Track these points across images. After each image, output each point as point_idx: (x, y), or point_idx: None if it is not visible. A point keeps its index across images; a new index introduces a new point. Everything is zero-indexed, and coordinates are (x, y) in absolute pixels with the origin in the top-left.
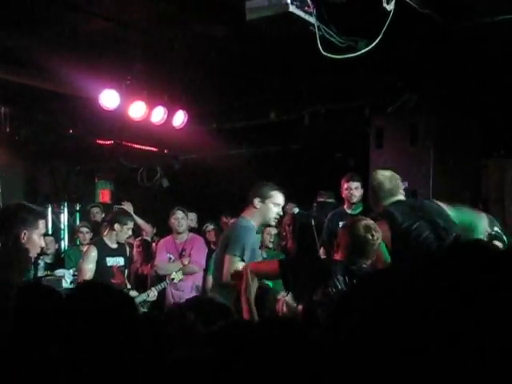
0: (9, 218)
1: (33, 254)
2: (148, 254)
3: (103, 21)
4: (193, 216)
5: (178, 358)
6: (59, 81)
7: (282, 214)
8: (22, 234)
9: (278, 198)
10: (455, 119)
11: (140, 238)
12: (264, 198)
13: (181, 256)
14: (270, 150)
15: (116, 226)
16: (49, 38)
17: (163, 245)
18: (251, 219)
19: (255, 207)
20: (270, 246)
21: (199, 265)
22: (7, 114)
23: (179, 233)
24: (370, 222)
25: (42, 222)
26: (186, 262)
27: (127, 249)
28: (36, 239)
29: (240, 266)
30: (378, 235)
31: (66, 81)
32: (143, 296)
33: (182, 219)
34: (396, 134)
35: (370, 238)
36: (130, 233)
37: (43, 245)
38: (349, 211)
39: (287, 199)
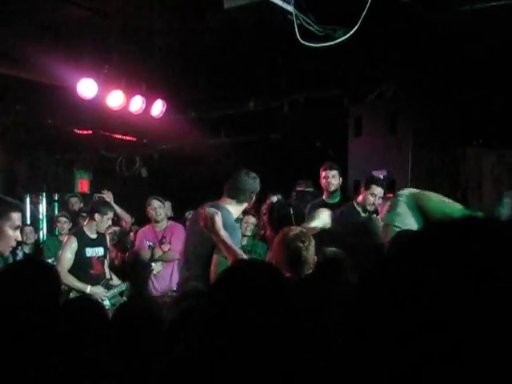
0: None
1: (4, 247)
2: (124, 243)
3: (81, 10)
4: (168, 205)
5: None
6: (37, 70)
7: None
8: None
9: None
10: (433, 108)
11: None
12: None
13: (161, 243)
14: (249, 140)
15: (96, 215)
16: (26, 27)
17: (142, 234)
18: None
19: None
20: (249, 234)
21: (179, 251)
22: None
23: (157, 221)
24: (297, 231)
25: (15, 215)
26: (166, 249)
27: (107, 238)
28: (9, 232)
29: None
30: (309, 241)
31: (43, 70)
32: (122, 286)
33: (159, 208)
34: (374, 123)
35: (302, 245)
36: (110, 223)
37: (19, 238)
38: (327, 200)
39: (266, 189)
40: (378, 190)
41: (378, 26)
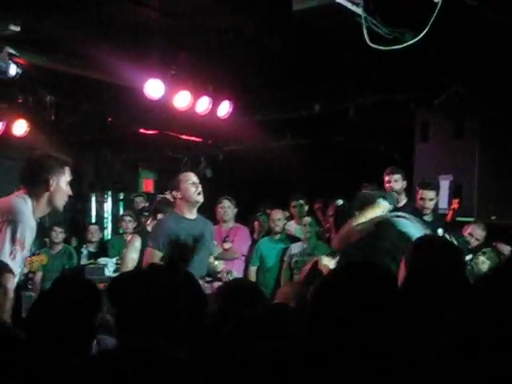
0: (38, 167)
1: (61, 202)
2: None
3: (149, 10)
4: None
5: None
6: (105, 70)
7: None
8: (51, 181)
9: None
10: (502, 113)
11: None
12: None
13: (223, 242)
14: (313, 142)
15: (159, 216)
16: (95, 27)
17: None
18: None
19: None
20: (308, 235)
21: (240, 251)
22: (53, 103)
23: (225, 221)
24: None
25: (67, 169)
26: (227, 247)
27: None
28: (63, 187)
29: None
30: None
31: (111, 70)
32: None
33: (228, 208)
34: (441, 128)
35: None
36: None
37: (70, 193)
38: None
39: (332, 191)
40: (426, 194)
41: (445, 30)
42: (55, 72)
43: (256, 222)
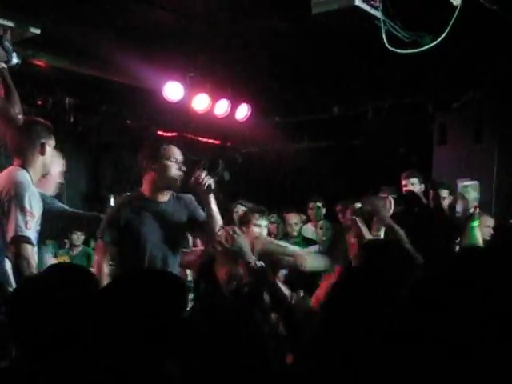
0: (29, 132)
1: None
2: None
3: (167, 12)
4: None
5: None
6: (123, 72)
7: None
8: (45, 145)
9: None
10: None
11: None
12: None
13: None
14: (332, 145)
15: None
16: (113, 29)
17: None
18: None
19: None
20: (323, 239)
21: None
22: (71, 105)
23: None
24: None
25: (53, 135)
26: None
27: (189, 239)
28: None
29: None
30: None
31: (130, 72)
32: None
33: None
34: (460, 131)
35: None
36: None
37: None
38: None
39: (349, 194)
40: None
41: (465, 33)
42: (74, 74)
43: (271, 225)
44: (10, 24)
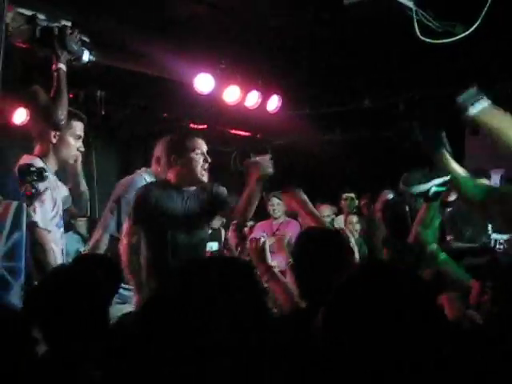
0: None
1: (67, 155)
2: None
3: (198, 4)
4: None
5: None
6: (154, 65)
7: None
8: (52, 133)
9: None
10: None
11: (235, 222)
12: None
13: (274, 234)
14: (363, 136)
15: None
16: (145, 22)
17: (260, 226)
18: None
19: None
20: (356, 235)
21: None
22: (102, 98)
23: (275, 218)
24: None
25: (76, 123)
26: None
27: (222, 233)
28: (70, 140)
29: None
30: None
31: (160, 65)
32: None
33: (278, 205)
34: None
35: None
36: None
37: (81, 148)
38: None
39: (381, 186)
40: None
41: (497, 22)
42: (105, 67)
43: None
44: (42, 16)
